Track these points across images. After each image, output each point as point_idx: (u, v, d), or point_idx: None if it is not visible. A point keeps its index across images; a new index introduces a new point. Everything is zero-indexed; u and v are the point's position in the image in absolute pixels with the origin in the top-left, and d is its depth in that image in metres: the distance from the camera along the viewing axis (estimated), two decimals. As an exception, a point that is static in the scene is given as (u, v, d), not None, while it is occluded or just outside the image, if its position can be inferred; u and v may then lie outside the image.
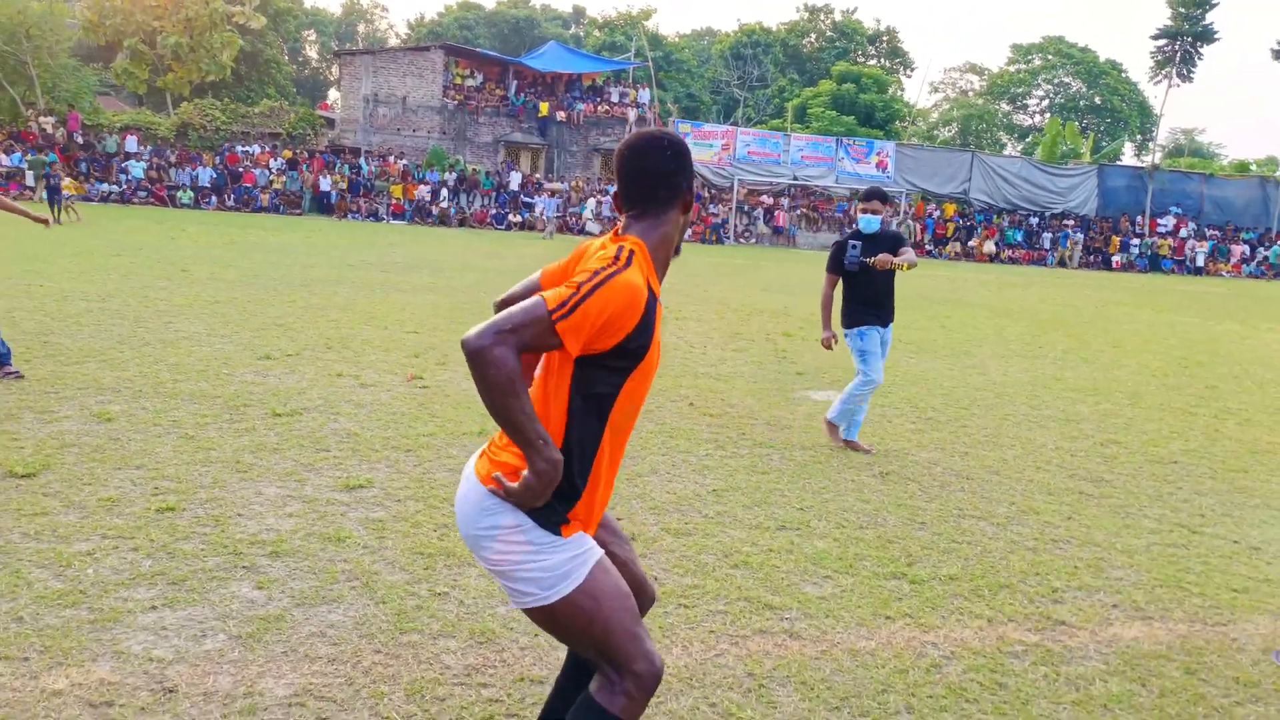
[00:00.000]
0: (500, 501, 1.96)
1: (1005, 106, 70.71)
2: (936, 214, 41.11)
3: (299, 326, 9.43)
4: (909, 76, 71.19)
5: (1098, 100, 66.46)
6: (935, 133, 67.94)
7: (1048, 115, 63.84)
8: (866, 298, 6.12)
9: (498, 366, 1.79)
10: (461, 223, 35.23)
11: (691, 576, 3.87)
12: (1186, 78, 47.23)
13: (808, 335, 11.50)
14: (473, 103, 39.43)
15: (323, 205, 34.14)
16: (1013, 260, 38.99)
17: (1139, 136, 65.74)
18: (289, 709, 2.70)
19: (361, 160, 36.14)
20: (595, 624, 2.00)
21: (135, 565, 3.57)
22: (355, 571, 3.66)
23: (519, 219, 35.46)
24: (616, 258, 1.95)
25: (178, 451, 5.03)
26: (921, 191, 41.73)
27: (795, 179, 40.83)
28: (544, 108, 39.70)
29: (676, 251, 2.16)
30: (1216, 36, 45.96)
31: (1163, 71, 47.55)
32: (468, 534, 2.05)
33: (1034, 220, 41.67)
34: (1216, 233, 40.95)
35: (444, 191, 35.64)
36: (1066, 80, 68.09)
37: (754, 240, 38.40)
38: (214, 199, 32.56)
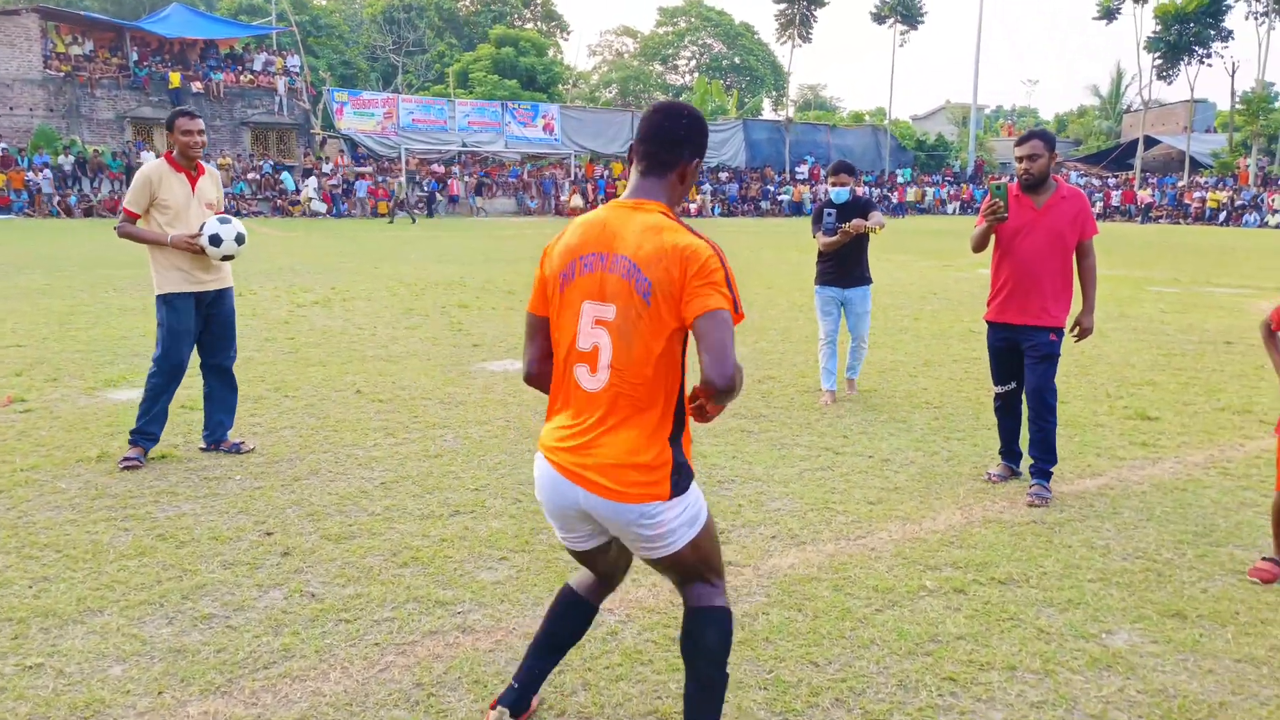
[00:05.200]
0: (656, 503, 2.22)
1: (658, 67, 74.47)
2: (606, 174, 42.46)
3: None
4: (566, 39, 72.64)
5: (737, 60, 72.03)
6: (597, 94, 70.03)
7: (696, 75, 68.14)
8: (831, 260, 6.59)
9: (741, 380, 2.13)
10: (88, 212, 30.85)
11: (354, 585, 3.53)
12: (806, 38, 52.42)
13: (484, 305, 11.30)
14: (84, 74, 34.44)
15: (-105, 202, 28.24)
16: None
17: (775, 93, 72.23)
18: None
19: (-57, 145, 30.27)
20: (714, 539, 2.40)
21: None
22: (-89, 661, 2.91)
23: (159, 204, 31.60)
24: (705, 239, 2.19)
25: None
26: (589, 152, 42.87)
27: (465, 145, 40.22)
28: (175, 78, 35.59)
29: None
30: (826, 1, 51.29)
31: (786, 33, 52.39)
32: (617, 527, 2.29)
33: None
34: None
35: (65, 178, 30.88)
36: (709, 42, 73.02)
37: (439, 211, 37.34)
38: None
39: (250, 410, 6.08)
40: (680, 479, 2.25)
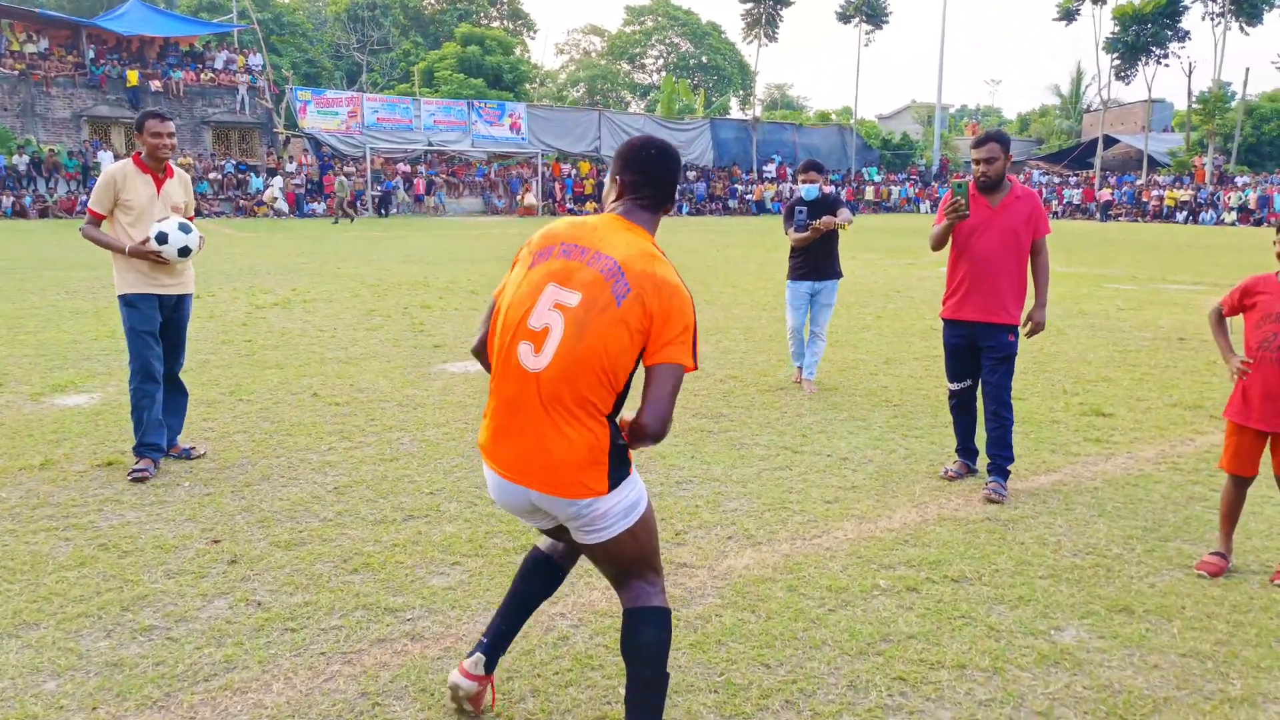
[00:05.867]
0: (595, 499, 2.28)
1: (626, 66, 74.37)
2: (573, 173, 42.32)
3: None
4: (533, 38, 72.34)
5: (704, 60, 72.10)
6: (564, 93, 69.82)
7: (663, 74, 68.15)
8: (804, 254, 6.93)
9: (668, 432, 2.28)
10: (43, 213, 30.22)
11: (302, 593, 3.47)
12: (773, 38, 52.64)
13: (446, 306, 11.20)
14: (39, 72, 33.69)
15: None
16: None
17: (742, 92, 72.44)
18: None
19: (-109, 145, 29.52)
20: (653, 534, 2.44)
21: None
22: None
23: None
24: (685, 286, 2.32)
25: None
26: (557, 151, 42.70)
27: (430, 145, 39.90)
28: (133, 76, 34.87)
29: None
30: (792, 0, 51.54)
31: (753, 32, 52.57)
32: (560, 515, 2.35)
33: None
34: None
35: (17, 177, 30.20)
36: (677, 41, 73.02)
37: (395, 210, 37.00)
38: None
39: (203, 415, 5.97)
40: (618, 471, 2.31)
